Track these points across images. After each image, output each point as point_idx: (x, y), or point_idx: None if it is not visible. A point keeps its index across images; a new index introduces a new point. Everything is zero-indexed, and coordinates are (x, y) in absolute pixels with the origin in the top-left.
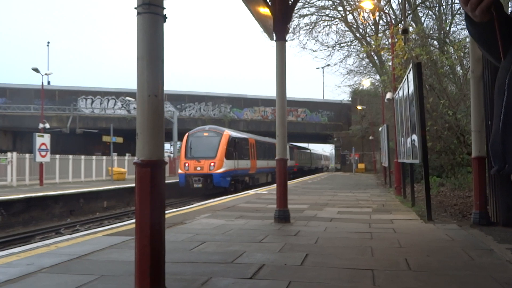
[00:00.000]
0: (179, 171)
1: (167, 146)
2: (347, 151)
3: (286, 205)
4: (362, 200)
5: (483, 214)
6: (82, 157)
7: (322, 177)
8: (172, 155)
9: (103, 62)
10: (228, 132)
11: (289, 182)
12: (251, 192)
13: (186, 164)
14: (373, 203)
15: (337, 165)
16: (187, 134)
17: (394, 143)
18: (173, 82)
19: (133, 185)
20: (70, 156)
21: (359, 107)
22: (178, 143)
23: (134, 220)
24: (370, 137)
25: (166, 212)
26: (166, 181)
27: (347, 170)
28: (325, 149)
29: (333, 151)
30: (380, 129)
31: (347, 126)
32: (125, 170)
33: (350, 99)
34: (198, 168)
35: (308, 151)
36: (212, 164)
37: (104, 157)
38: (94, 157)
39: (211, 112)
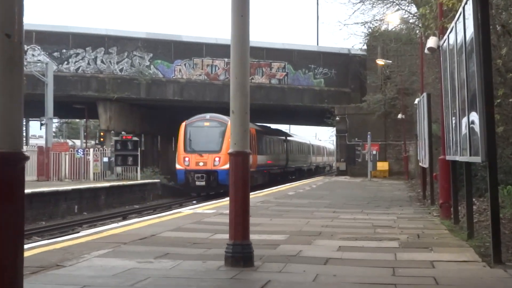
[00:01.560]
0: (178, 166)
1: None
2: (357, 139)
3: (248, 236)
4: (382, 227)
5: None
6: None
7: (313, 186)
8: (42, 143)
9: None
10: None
11: (256, 194)
12: (185, 211)
13: (187, 159)
14: (402, 232)
15: (339, 164)
16: (184, 123)
17: (440, 126)
18: (48, 15)
19: None
20: None
21: (380, 62)
22: (56, 120)
23: None
24: (400, 116)
25: (34, 244)
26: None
27: (357, 173)
28: (320, 135)
29: (334, 139)
30: (416, 101)
31: (359, 96)
32: None
33: (364, 47)
34: (201, 164)
35: (294, 139)
36: (217, 159)
37: None
38: None
39: (116, 66)
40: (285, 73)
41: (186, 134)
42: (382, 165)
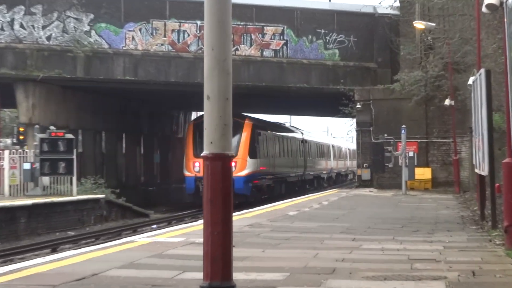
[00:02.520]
0: (186, 173)
1: None
2: (386, 135)
3: (230, 274)
4: (423, 261)
5: None
6: None
7: (324, 202)
8: None
9: None
10: (250, 120)
11: (243, 215)
12: (141, 239)
13: (197, 164)
14: (450, 269)
15: (362, 171)
16: (192, 123)
17: (504, 116)
18: None
19: None
20: None
21: (419, 25)
22: None
23: None
24: (447, 102)
25: None
26: None
27: (387, 183)
28: (334, 130)
29: (353, 136)
30: (471, 81)
31: (389, 74)
32: None
33: (396, 3)
34: None
35: (313, 139)
36: (233, 164)
37: None
38: None
39: (42, 33)
40: (283, 41)
41: (195, 136)
42: (423, 173)
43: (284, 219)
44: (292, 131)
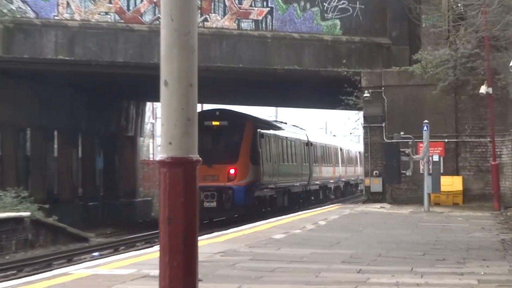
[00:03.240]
0: None
1: None
2: (403, 133)
3: None
4: None
5: None
6: None
7: (321, 222)
8: None
9: None
10: (251, 120)
11: (213, 238)
12: (77, 272)
13: None
14: None
15: (371, 181)
16: None
17: None
18: None
19: None
20: None
21: None
22: None
23: None
24: (483, 90)
25: None
26: None
27: (403, 197)
28: (334, 127)
29: (359, 135)
30: None
31: (406, 52)
32: None
33: None
34: (210, 178)
35: (319, 141)
36: (232, 171)
37: None
38: None
39: None
40: (267, 9)
41: None
42: (451, 183)
43: (268, 244)
44: (295, 132)
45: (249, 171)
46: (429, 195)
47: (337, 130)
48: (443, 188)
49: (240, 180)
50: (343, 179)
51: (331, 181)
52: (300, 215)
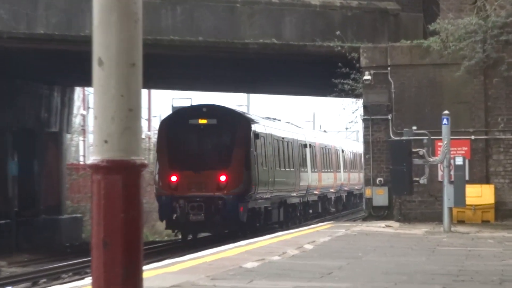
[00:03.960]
0: (158, 190)
1: None
2: (415, 128)
3: None
4: None
5: None
6: None
7: (307, 246)
8: None
9: None
10: (245, 117)
11: (167, 267)
12: None
13: (174, 179)
14: None
15: (374, 192)
16: (165, 119)
17: None
18: None
19: None
20: None
21: None
22: None
23: None
24: None
25: None
26: None
27: (416, 213)
28: (323, 122)
29: (358, 131)
30: None
31: (420, 21)
32: None
33: None
34: (198, 187)
35: (318, 141)
36: (222, 178)
37: None
38: None
39: None
40: None
41: (170, 139)
42: (480, 194)
43: (237, 275)
44: (292, 131)
45: (243, 178)
46: (450, 210)
47: (329, 124)
48: (468, 201)
49: (232, 189)
50: (346, 188)
51: (331, 190)
52: (279, 236)
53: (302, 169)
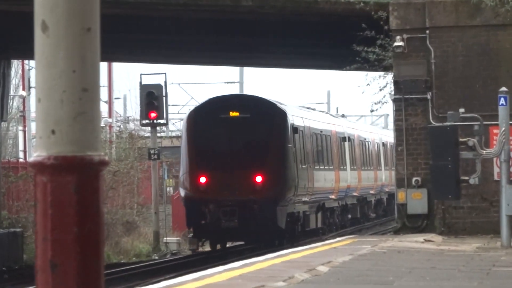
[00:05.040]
0: (183, 192)
1: None
2: (463, 110)
3: None
4: None
5: None
6: None
7: (322, 268)
8: None
9: None
10: (282, 109)
11: None
12: None
13: (203, 180)
14: None
15: (410, 193)
16: (191, 113)
17: None
18: None
19: None
20: None
21: None
22: None
23: None
24: None
25: None
26: None
27: (464, 222)
28: (339, 101)
29: (389, 115)
30: None
31: None
32: None
33: None
34: (230, 190)
35: (357, 133)
36: (258, 179)
37: None
38: None
39: None
40: None
41: (196, 135)
42: None
43: None
44: (330, 122)
45: (281, 178)
46: (510, 218)
47: (347, 106)
48: None
49: (269, 191)
50: (386, 189)
51: (371, 191)
52: (284, 256)
53: (342, 167)
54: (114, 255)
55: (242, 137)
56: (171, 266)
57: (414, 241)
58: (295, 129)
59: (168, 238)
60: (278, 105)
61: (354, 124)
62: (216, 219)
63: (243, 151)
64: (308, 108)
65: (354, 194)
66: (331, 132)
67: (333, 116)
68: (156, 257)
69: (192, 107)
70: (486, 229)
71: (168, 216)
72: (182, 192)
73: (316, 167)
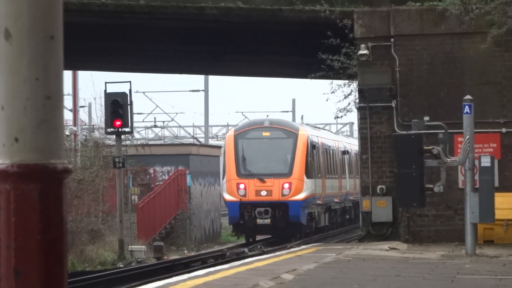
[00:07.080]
0: (227, 197)
1: None
2: (427, 118)
3: None
4: None
5: None
6: None
7: (287, 276)
8: None
9: None
10: (305, 130)
11: None
12: None
13: (242, 186)
14: None
15: (374, 202)
16: (232, 133)
17: None
18: None
19: None
20: None
21: None
22: None
23: None
24: None
25: None
26: None
27: (429, 231)
28: (302, 108)
29: (353, 123)
30: None
31: None
32: None
33: None
34: (264, 193)
35: (343, 146)
36: (286, 185)
37: None
38: None
39: None
40: None
41: (237, 150)
42: None
43: None
44: (335, 139)
45: (305, 185)
46: (474, 226)
47: (312, 114)
48: (498, 215)
49: (295, 195)
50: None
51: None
52: (249, 264)
53: (343, 176)
54: (79, 263)
55: (273, 152)
56: (136, 274)
57: (379, 249)
58: (314, 146)
59: (133, 246)
60: (300, 126)
61: (351, 140)
62: (252, 217)
63: (274, 163)
64: (315, 126)
65: (351, 198)
66: (335, 147)
67: (335, 134)
68: (121, 265)
69: (230, 128)
70: (450, 237)
71: (133, 224)
72: (226, 196)
73: (327, 176)
